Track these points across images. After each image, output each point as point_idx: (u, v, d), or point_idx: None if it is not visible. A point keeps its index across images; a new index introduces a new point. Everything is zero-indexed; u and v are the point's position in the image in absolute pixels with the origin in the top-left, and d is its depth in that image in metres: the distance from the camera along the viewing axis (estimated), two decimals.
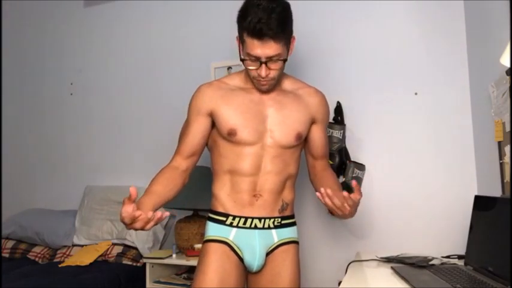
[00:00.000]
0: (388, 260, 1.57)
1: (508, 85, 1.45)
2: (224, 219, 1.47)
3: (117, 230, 2.53)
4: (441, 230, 2.01)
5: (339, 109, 2.22)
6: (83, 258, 2.41)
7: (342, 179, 2.17)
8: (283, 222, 1.51)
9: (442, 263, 1.50)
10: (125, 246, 2.48)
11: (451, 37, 2.09)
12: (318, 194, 1.28)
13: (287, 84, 1.54)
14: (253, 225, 1.46)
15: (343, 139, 2.17)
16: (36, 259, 2.60)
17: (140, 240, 2.46)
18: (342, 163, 2.15)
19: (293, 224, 1.55)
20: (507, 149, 1.53)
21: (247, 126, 1.42)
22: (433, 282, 1.25)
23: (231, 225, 1.46)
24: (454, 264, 1.51)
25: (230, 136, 1.43)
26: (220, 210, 1.49)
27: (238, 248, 1.45)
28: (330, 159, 2.15)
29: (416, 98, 2.13)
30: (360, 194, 1.30)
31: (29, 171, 3.12)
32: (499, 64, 1.36)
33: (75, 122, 2.98)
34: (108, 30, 2.93)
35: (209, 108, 1.46)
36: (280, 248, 1.48)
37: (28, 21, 3.22)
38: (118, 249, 2.46)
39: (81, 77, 3.01)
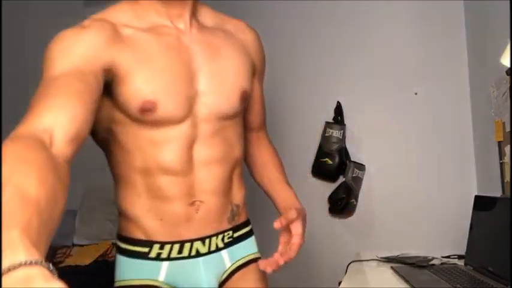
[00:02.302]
0: (388, 260, 1.57)
1: (508, 85, 1.45)
2: (146, 250, 0.95)
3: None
4: (441, 230, 2.01)
5: (338, 109, 2.22)
6: (83, 258, 2.41)
7: (342, 179, 2.17)
8: (236, 235, 1.03)
9: (442, 263, 1.50)
10: None
11: (451, 37, 2.09)
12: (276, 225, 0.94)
13: (207, 16, 1.00)
14: (193, 252, 0.96)
15: (343, 139, 2.17)
16: None
17: None
18: (341, 163, 2.15)
19: (249, 233, 1.07)
20: (507, 149, 1.53)
21: (171, 94, 0.88)
22: (433, 282, 1.25)
23: (158, 258, 0.95)
24: (454, 264, 1.51)
25: (144, 114, 0.86)
26: (139, 236, 0.95)
27: None
28: (329, 159, 2.16)
29: (417, 98, 2.13)
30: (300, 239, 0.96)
31: None
32: (499, 64, 1.36)
33: None
34: None
35: (103, 64, 0.82)
36: (236, 275, 1.01)
37: (28, 21, 3.22)
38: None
39: None
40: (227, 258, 1.02)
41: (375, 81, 2.21)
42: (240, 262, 1.03)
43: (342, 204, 2.12)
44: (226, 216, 1.00)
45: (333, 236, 2.23)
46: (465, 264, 1.46)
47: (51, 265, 0.43)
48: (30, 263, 0.41)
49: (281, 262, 0.92)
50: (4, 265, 0.40)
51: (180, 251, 0.96)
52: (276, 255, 0.93)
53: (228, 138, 0.98)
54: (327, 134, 2.19)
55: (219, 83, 0.95)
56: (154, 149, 0.91)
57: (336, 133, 2.17)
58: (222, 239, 1.00)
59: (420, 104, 2.13)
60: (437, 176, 2.07)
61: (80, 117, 0.73)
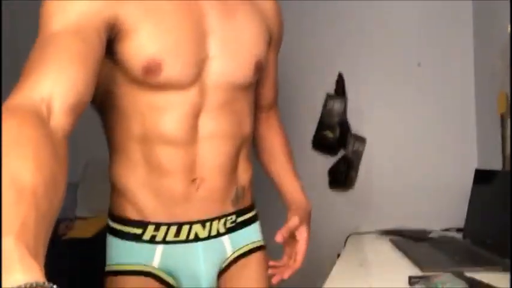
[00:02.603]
0: (387, 232, 1.59)
1: None
2: (140, 231, 0.87)
3: None
4: (441, 203, 2.02)
5: (340, 81, 2.19)
6: (86, 230, 2.45)
7: (342, 152, 2.17)
8: (239, 220, 0.95)
9: (441, 236, 1.52)
10: None
11: (455, 7, 2.03)
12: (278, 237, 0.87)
13: None
14: (192, 236, 0.88)
15: (344, 112, 2.15)
16: None
17: None
18: (342, 136, 2.14)
19: (254, 219, 1.00)
20: (509, 122, 1.52)
21: (179, 55, 0.79)
22: (431, 254, 1.26)
23: (152, 240, 0.87)
24: (453, 237, 1.52)
25: (147, 76, 0.78)
26: (132, 215, 0.87)
27: (170, 276, 0.89)
28: (330, 132, 2.15)
29: (420, 69, 2.10)
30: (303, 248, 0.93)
31: None
32: (506, 34, 1.33)
33: None
34: None
35: (106, 19, 0.73)
36: (238, 264, 0.94)
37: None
38: None
39: None
40: (228, 245, 0.93)
41: (377, 52, 2.17)
42: (243, 250, 0.95)
43: (342, 177, 2.13)
44: (229, 198, 0.92)
45: (333, 209, 2.24)
46: (463, 237, 1.47)
47: (53, 285, 0.38)
48: (31, 287, 0.35)
49: (286, 276, 0.91)
50: None
51: (177, 234, 0.87)
52: (282, 269, 0.93)
53: (237, 112, 0.89)
54: (328, 107, 2.17)
55: (232, 49, 0.86)
56: (155, 115, 0.82)
57: (337, 106, 2.15)
58: (224, 224, 0.92)
59: (423, 75, 2.09)
60: (438, 149, 2.06)
61: (81, 83, 0.65)
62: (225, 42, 0.85)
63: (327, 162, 2.20)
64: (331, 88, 2.20)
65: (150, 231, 0.86)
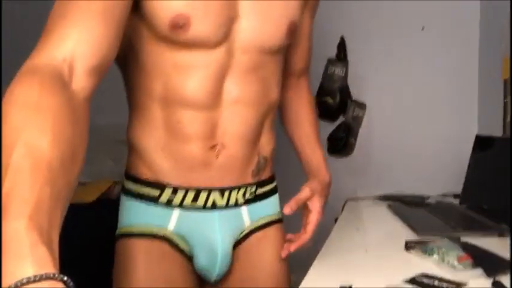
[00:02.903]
0: (384, 198, 1.60)
1: None
2: (157, 193, 0.85)
3: (119, 170, 2.57)
4: (439, 169, 2.03)
5: (342, 44, 2.14)
6: (86, 195, 2.46)
7: (342, 118, 2.15)
8: (259, 191, 0.92)
9: (438, 202, 1.53)
10: None
11: None
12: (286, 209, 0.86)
13: None
14: (209, 204, 0.85)
15: (345, 77, 2.12)
16: None
17: None
18: (342, 102, 2.12)
19: (273, 191, 0.96)
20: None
21: (208, 11, 0.74)
22: (427, 219, 1.28)
23: (169, 204, 0.84)
24: (450, 202, 1.53)
25: (174, 32, 0.74)
26: (149, 176, 0.85)
27: (184, 242, 0.86)
28: (330, 98, 2.13)
29: (423, 33, 2.05)
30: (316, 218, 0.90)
31: None
32: None
33: None
34: None
35: None
36: (255, 236, 0.91)
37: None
38: (120, 188, 2.51)
39: None
40: (247, 217, 0.90)
41: (380, 15, 2.11)
42: (261, 222, 0.92)
43: (341, 144, 2.12)
44: (251, 168, 0.88)
45: (331, 174, 2.24)
46: (460, 203, 1.48)
47: (66, 278, 0.35)
48: (40, 279, 0.33)
49: (292, 249, 0.89)
50: (5, 283, 0.33)
51: (194, 200, 0.84)
52: (287, 245, 0.90)
53: (265, 78, 0.84)
54: (328, 72, 2.13)
55: (264, 9, 0.80)
56: (178, 75, 0.78)
57: (338, 71, 2.11)
58: (244, 194, 0.89)
59: (426, 39, 2.04)
60: (438, 115, 2.04)
61: (105, 41, 0.61)
62: (257, 2, 0.79)
63: (326, 128, 2.19)
64: (332, 52, 2.16)
65: (167, 194, 0.84)
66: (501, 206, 1.19)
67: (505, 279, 0.78)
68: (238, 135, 0.83)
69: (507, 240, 1.04)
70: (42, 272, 0.34)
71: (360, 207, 1.52)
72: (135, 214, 0.86)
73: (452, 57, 2.01)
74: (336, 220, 1.31)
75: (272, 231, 0.92)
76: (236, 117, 0.82)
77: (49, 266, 0.35)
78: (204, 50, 0.76)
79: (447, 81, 2.02)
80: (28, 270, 0.34)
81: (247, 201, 0.90)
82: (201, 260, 0.87)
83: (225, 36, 0.77)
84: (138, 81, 0.82)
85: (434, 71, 2.04)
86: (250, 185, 0.90)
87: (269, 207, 0.94)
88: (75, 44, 0.57)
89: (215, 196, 0.86)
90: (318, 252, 0.97)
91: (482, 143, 1.49)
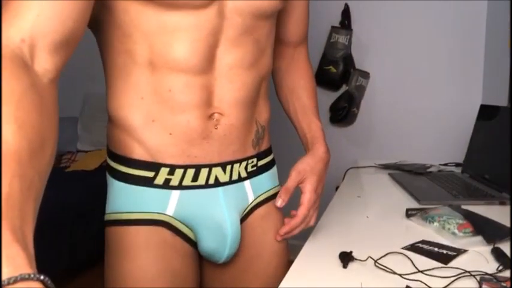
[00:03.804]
0: (386, 167, 1.60)
1: None
2: (151, 174, 0.75)
3: None
4: (442, 139, 2.02)
5: (346, 12, 2.09)
6: (88, 163, 2.48)
7: (344, 87, 2.13)
8: (260, 164, 0.86)
9: (439, 170, 1.53)
10: None
11: None
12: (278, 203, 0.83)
13: None
14: (212, 180, 0.78)
15: (348, 45, 2.08)
16: None
17: None
18: (346, 71, 2.09)
19: (272, 163, 0.91)
20: None
21: None
22: (429, 188, 1.28)
23: (166, 185, 0.75)
24: (451, 171, 1.53)
25: None
26: (140, 155, 0.75)
27: (186, 226, 0.78)
28: (333, 67, 2.09)
29: (429, 1, 1.99)
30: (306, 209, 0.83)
31: None
32: None
33: None
34: None
35: None
36: (258, 211, 0.85)
37: None
38: None
39: None
40: (250, 191, 0.83)
41: None
42: (263, 197, 0.85)
43: (344, 113, 2.11)
44: (250, 138, 0.82)
45: (333, 144, 2.22)
46: (462, 171, 1.48)
47: (43, 277, 0.33)
48: (15, 281, 0.31)
49: (282, 232, 0.83)
50: None
51: (195, 178, 0.76)
52: (281, 229, 0.84)
53: (259, 42, 0.78)
54: (332, 40, 2.09)
55: None
56: (165, 37, 0.69)
57: (342, 39, 2.07)
58: (246, 168, 0.82)
59: (432, 8, 1.99)
60: (442, 84, 2.02)
61: (70, 12, 0.54)
62: None
63: (328, 98, 2.17)
64: (336, 20, 2.11)
65: (163, 174, 0.74)
66: (503, 175, 1.19)
67: (504, 246, 0.78)
68: (237, 101, 0.76)
69: (508, 209, 1.05)
70: (17, 273, 0.32)
71: (361, 176, 1.52)
72: (127, 199, 0.75)
73: (458, 26, 1.96)
74: (336, 188, 1.32)
75: (274, 208, 0.86)
76: (233, 83, 0.75)
77: (24, 266, 0.33)
78: (192, 10, 0.69)
79: (452, 51, 1.98)
80: (3, 272, 0.31)
81: (250, 174, 0.83)
82: (208, 243, 0.79)
83: None
84: (117, 45, 0.71)
85: (439, 41, 2.00)
86: (251, 157, 0.83)
87: (269, 180, 0.88)
88: (34, 19, 0.50)
89: (217, 171, 0.78)
90: (319, 219, 0.98)
91: (486, 113, 1.47)
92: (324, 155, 0.88)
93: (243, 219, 0.83)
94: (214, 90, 0.74)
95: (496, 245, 0.79)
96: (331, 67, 2.11)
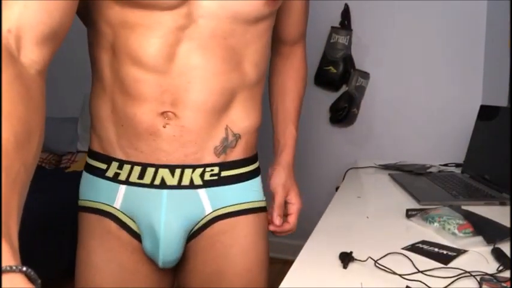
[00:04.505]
0: (386, 167, 1.59)
1: None
2: (104, 166, 0.78)
3: None
4: (442, 139, 2.02)
5: (346, 12, 2.09)
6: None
7: (344, 88, 2.13)
8: (225, 174, 0.79)
9: (440, 171, 1.53)
10: None
11: None
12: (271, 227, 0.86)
13: None
14: (157, 181, 0.76)
15: (348, 46, 2.08)
16: (43, 164, 2.68)
17: None
18: (346, 71, 2.09)
19: (253, 174, 0.84)
20: None
21: None
22: (429, 188, 1.28)
23: (115, 178, 0.77)
24: (451, 172, 1.53)
25: None
26: (97, 147, 0.79)
27: (132, 220, 0.78)
28: (333, 67, 2.09)
29: (429, 2, 1.99)
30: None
31: None
32: None
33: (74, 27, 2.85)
34: None
35: None
36: (216, 226, 0.79)
37: None
38: None
39: None
40: (207, 201, 0.78)
41: None
42: (225, 210, 0.79)
43: (343, 114, 2.11)
44: (213, 144, 0.76)
45: (333, 144, 2.25)
46: (462, 172, 1.48)
47: (26, 268, 0.34)
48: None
49: (272, 229, 0.87)
50: None
51: (140, 176, 0.75)
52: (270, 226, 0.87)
53: (236, 48, 0.74)
54: (332, 40, 2.09)
55: None
56: (127, 30, 0.70)
57: (341, 39, 2.07)
58: (201, 175, 0.76)
59: (432, 8, 1.99)
60: (442, 85, 2.02)
61: (59, 3, 0.54)
62: None
63: (328, 98, 2.17)
64: (336, 20, 2.11)
65: (113, 168, 0.76)
66: (503, 175, 1.19)
67: (504, 247, 0.78)
68: (195, 105, 0.72)
69: (508, 209, 1.05)
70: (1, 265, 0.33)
71: (361, 176, 1.52)
72: (87, 187, 0.80)
73: (458, 26, 1.96)
74: (337, 189, 1.32)
75: (245, 220, 0.80)
76: (194, 85, 0.72)
77: (8, 258, 0.33)
78: (158, 11, 0.68)
79: (452, 51, 1.98)
80: None
81: (207, 184, 0.77)
82: (145, 243, 0.78)
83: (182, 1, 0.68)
84: (91, 37, 0.75)
85: (439, 41, 2.00)
86: (212, 165, 0.77)
87: (241, 193, 0.81)
88: (21, 10, 0.51)
89: (164, 173, 0.75)
90: (319, 220, 0.98)
91: (486, 113, 1.47)
92: (290, 163, 0.90)
93: (198, 231, 0.79)
94: (170, 89, 0.71)
95: (496, 246, 0.79)
96: (331, 67, 2.11)
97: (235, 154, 0.80)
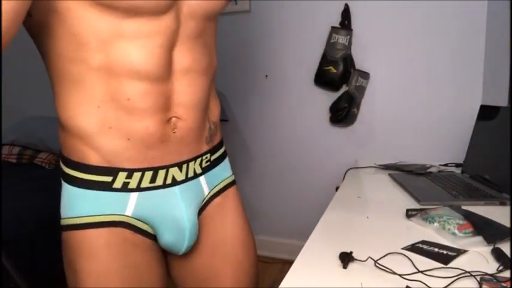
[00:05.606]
0: (386, 167, 1.60)
1: None
2: (109, 179, 0.76)
3: None
4: (442, 139, 2.02)
5: (346, 12, 2.09)
6: None
7: (345, 88, 2.13)
8: (213, 158, 0.90)
9: (440, 171, 1.53)
10: None
11: None
12: None
13: None
14: (169, 180, 0.80)
15: (348, 46, 2.08)
16: (43, 164, 2.68)
17: None
18: (346, 71, 2.09)
19: (224, 155, 0.95)
20: None
21: None
22: (429, 188, 1.28)
23: (125, 188, 0.76)
24: (451, 172, 1.53)
25: None
26: (96, 161, 0.75)
27: (145, 223, 0.80)
28: (333, 68, 2.09)
29: (429, 3, 1.99)
30: None
31: (27, 81, 3.08)
32: None
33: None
34: None
35: None
36: (214, 202, 0.90)
37: None
38: None
39: None
40: (205, 185, 0.87)
41: None
42: (218, 188, 0.90)
43: (343, 113, 2.11)
44: (204, 136, 0.85)
45: (333, 144, 2.25)
46: (462, 172, 1.48)
47: None
48: None
49: None
50: None
51: (152, 180, 0.77)
52: None
53: (208, 44, 0.80)
54: (332, 40, 2.09)
55: None
56: (124, 44, 0.68)
57: (341, 39, 2.07)
58: (200, 164, 0.85)
59: (432, 8, 1.99)
60: (443, 85, 2.01)
61: (4, 12, 0.52)
62: None
63: (328, 98, 2.17)
64: (336, 20, 2.11)
65: (121, 178, 0.75)
66: (503, 175, 1.19)
67: (504, 247, 0.78)
68: (192, 105, 0.78)
69: (508, 209, 1.05)
70: None
71: (361, 176, 1.52)
72: (84, 203, 0.75)
73: (458, 26, 1.96)
74: (337, 189, 1.32)
75: (230, 195, 0.92)
76: (189, 87, 0.76)
77: None
78: (150, 16, 0.68)
79: (452, 51, 1.98)
80: None
81: (204, 170, 0.87)
82: (167, 237, 0.82)
83: (172, 2, 0.70)
84: (70, 53, 0.69)
85: (439, 41, 2.00)
86: (205, 153, 0.87)
87: (223, 171, 0.92)
88: None
89: (174, 172, 0.80)
90: (319, 219, 0.98)
91: (486, 113, 1.47)
92: None
93: (201, 211, 0.87)
94: (172, 95, 0.75)
95: (496, 245, 0.79)
96: (331, 67, 2.11)
97: (216, 139, 0.91)
